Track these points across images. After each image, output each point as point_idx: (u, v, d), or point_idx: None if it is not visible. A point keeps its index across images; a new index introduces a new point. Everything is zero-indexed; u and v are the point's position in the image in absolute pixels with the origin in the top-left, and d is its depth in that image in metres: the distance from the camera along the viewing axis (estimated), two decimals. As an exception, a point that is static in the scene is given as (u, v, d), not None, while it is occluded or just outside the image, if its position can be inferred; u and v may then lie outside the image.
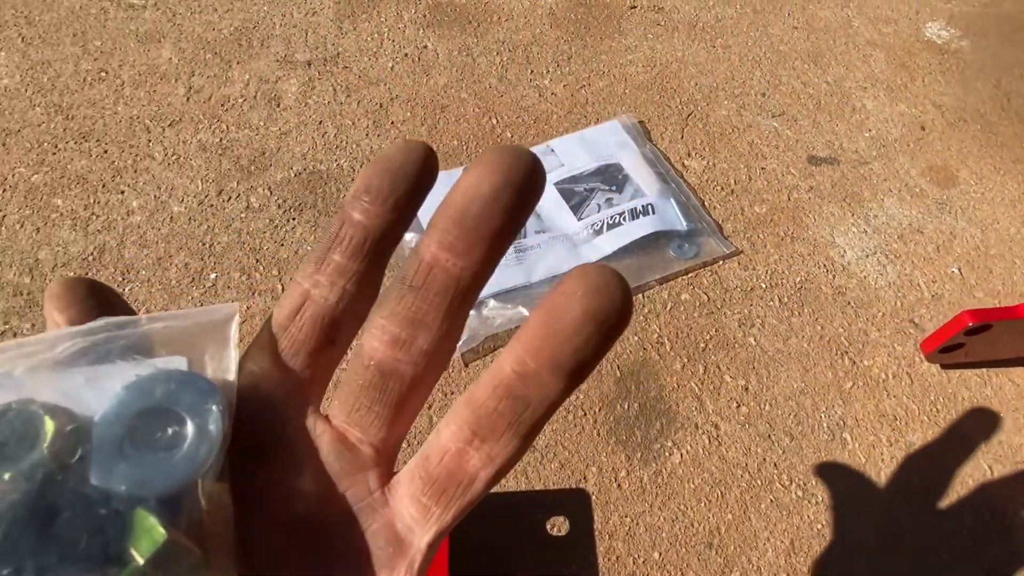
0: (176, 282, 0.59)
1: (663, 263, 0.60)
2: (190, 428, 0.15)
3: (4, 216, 0.62)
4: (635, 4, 0.87)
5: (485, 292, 0.56)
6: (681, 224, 0.62)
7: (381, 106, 0.74)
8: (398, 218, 0.15)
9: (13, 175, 0.65)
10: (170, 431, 0.15)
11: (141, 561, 0.13)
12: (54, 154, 0.67)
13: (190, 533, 0.14)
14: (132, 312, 0.17)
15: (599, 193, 0.64)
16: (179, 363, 0.16)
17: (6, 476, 0.14)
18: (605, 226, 0.61)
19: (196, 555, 0.14)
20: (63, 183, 0.65)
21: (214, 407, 0.15)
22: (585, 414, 0.52)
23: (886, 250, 0.64)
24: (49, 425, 0.15)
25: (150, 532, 0.14)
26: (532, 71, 0.79)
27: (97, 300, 0.17)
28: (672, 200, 0.64)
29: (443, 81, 0.77)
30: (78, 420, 0.15)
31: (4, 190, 0.64)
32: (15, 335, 0.55)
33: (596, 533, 0.46)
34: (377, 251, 0.15)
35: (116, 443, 0.15)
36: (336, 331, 0.16)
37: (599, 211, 0.62)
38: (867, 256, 0.64)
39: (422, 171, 0.15)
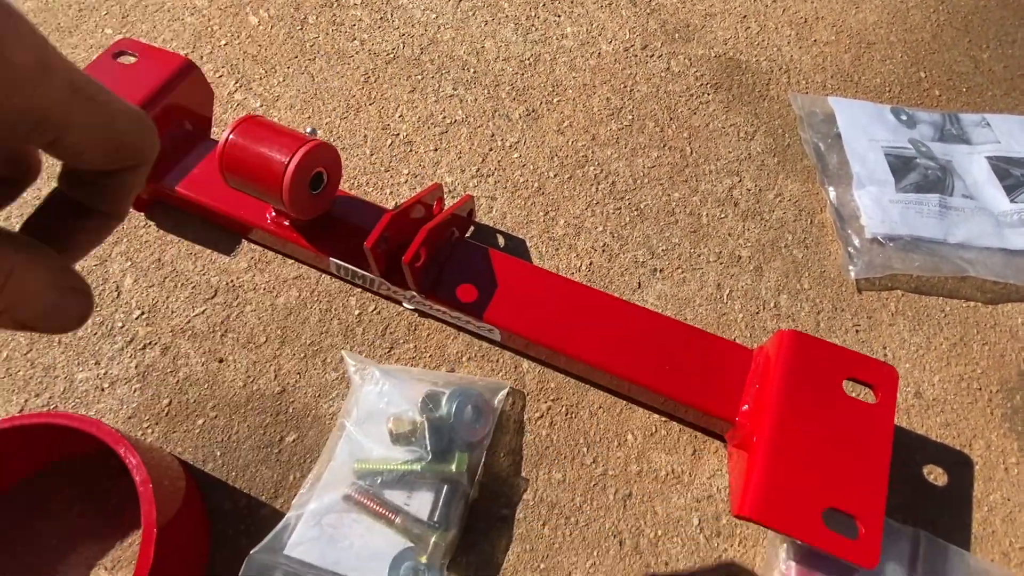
0: (597, 111, 0.61)
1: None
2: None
3: (460, 1, 0.68)
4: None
5: (902, 230, 0.54)
6: None
7: (806, 21, 0.71)
8: None
9: (470, -31, 0.71)
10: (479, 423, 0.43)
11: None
12: (505, -37, 0.71)
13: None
14: None
15: (1038, 184, 0.58)
16: (502, 385, 0.45)
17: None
18: (1043, 219, 0.56)
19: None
20: (510, -10, 0.69)
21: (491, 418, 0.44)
22: (980, 389, 0.49)
23: None
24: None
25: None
26: (970, 40, 0.72)
27: None
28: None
29: (872, 19, 0.72)
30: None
31: (463, -21, 0.70)
32: (460, 102, 0.61)
33: (974, 500, 0.44)
34: None
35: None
36: None
37: (1037, 202, 0.57)
38: None
39: None
